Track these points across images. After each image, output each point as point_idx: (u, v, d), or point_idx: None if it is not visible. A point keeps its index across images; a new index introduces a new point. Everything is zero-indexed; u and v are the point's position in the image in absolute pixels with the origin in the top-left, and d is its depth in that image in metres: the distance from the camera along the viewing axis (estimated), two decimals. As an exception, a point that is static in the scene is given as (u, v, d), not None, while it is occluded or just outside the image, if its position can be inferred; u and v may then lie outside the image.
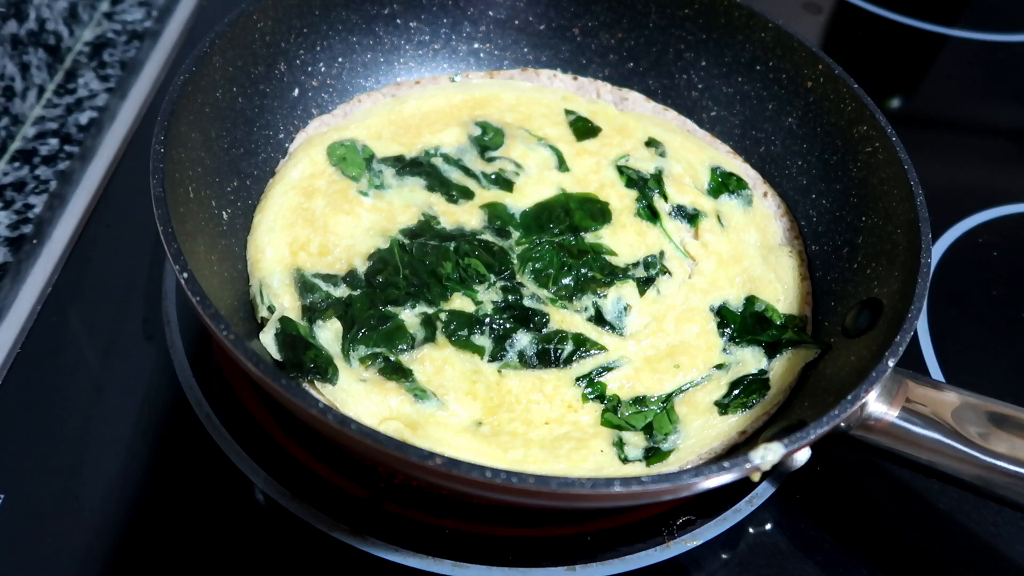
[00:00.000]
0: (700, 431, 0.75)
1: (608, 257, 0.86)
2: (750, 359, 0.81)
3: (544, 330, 0.80)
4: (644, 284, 0.85)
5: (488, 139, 0.94)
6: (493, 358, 0.77)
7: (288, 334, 0.74)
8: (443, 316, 0.79)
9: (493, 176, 0.91)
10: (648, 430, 0.75)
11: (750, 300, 0.85)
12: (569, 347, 0.79)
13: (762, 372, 0.80)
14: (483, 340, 0.78)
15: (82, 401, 0.79)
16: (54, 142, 1.04)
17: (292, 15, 0.90)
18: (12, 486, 0.73)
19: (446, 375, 0.75)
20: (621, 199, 0.91)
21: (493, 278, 0.82)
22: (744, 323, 0.83)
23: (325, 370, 0.72)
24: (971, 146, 1.23)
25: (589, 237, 0.88)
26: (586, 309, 0.82)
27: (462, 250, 0.83)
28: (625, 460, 0.72)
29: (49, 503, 0.73)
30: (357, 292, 0.79)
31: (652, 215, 0.90)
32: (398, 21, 1.00)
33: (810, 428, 0.62)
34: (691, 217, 0.91)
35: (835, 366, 0.77)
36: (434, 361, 0.76)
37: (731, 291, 0.85)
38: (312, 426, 0.60)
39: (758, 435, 0.75)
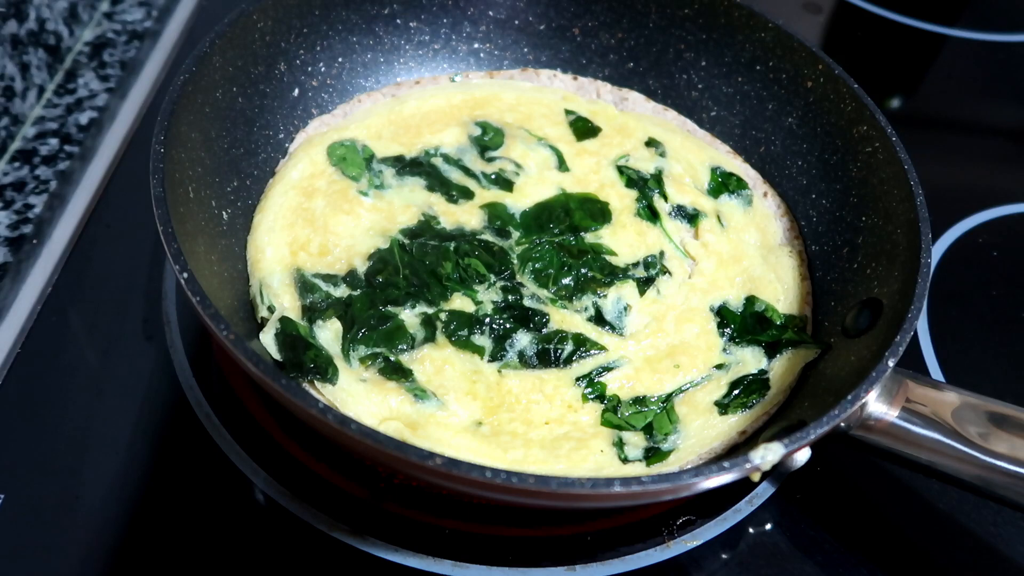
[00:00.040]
0: (700, 431, 0.75)
1: (608, 257, 0.86)
2: (750, 359, 0.81)
3: (544, 330, 0.80)
4: (644, 284, 0.85)
5: (488, 139, 0.94)
6: (493, 358, 0.77)
7: (288, 334, 0.74)
8: (443, 316, 0.79)
9: (493, 176, 0.91)
10: (648, 430, 0.75)
11: (750, 300, 0.85)
12: (569, 347, 0.79)
13: (762, 372, 0.80)
14: (483, 340, 0.78)
15: (82, 401, 0.79)
16: (54, 142, 1.04)
17: (292, 15, 0.90)
18: (12, 486, 0.73)
19: (446, 375, 0.75)
20: (621, 199, 0.91)
21: (493, 278, 0.82)
22: (744, 323, 0.83)
23: (325, 370, 0.72)
24: (971, 146, 1.23)
25: (589, 237, 0.88)
26: (586, 309, 0.82)
27: (462, 250, 0.83)
28: (625, 460, 0.72)
29: (49, 503, 0.73)
30: (357, 292, 0.79)
31: (652, 215, 0.90)
32: (398, 21, 1.00)
33: (810, 428, 0.62)
34: (691, 217, 0.91)
35: (835, 366, 0.77)
36: (434, 361, 0.76)
37: (731, 291, 0.85)
38: (312, 426, 0.60)
39: (758, 435, 0.75)
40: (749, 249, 0.89)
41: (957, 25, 1.40)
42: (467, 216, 0.87)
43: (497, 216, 0.88)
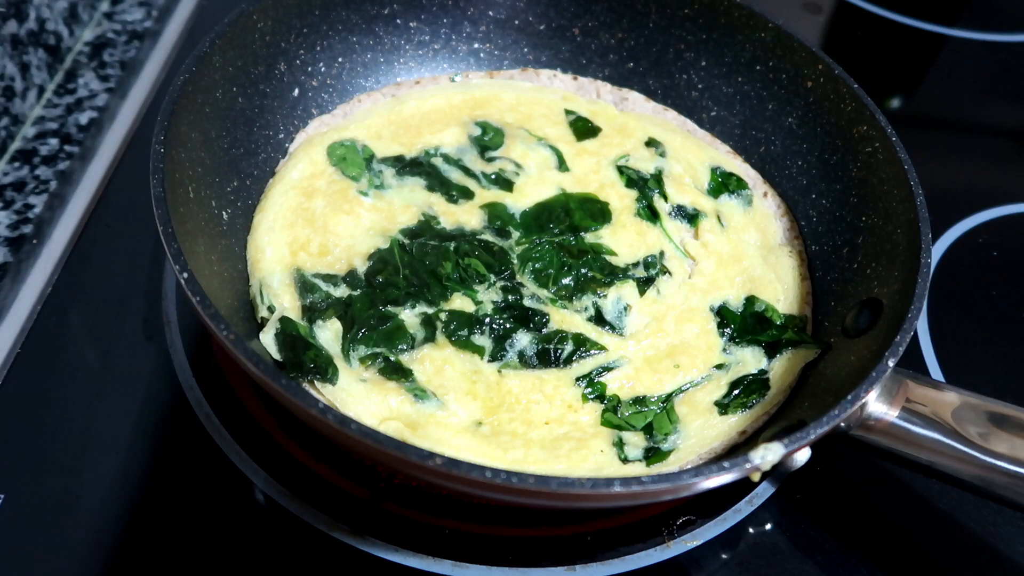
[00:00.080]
0: (700, 431, 0.75)
1: (608, 257, 0.86)
2: (750, 359, 0.81)
3: (544, 330, 0.80)
4: (644, 284, 0.85)
5: (488, 139, 0.94)
6: (493, 358, 0.77)
7: (288, 334, 0.74)
8: (443, 316, 0.79)
9: (493, 176, 0.91)
10: (648, 430, 0.75)
11: (750, 300, 0.85)
12: (569, 347, 0.79)
13: (762, 372, 0.80)
14: (483, 340, 0.78)
15: (82, 401, 0.79)
16: (54, 142, 1.04)
17: (292, 15, 0.90)
18: (12, 486, 0.73)
19: (446, 375, 0.75)
20: (621, 199, 0.91)
21: (493, 278, 0.82)
22: (744, 323, 0.83)
23: (325, 370, 0.72)
24: (971, 146, 1.23)
25: (589, 237, 0.88)
26: (586, 309, 0.82)
27: (462, 250, 0.83)
28: (625, 460, 0.72)
29: (49, 503, 0.73)
30: (357, 292, 0.79)
31: (652, 215, 0.90)
32: (398, 21, 1.00)
33: (810, 428, 0.62)
34: (691, 217, 0.91)
35: (835, 366, 0.77)
36: (434, 361, 0.76)
37: (731, 291, 0.85)
38: (312, 426, 0.60)
39: (758, 435, 0.75)
40: (749, 249, 0.89)
41: (957, 25, 1.40)
42: (467, 216, 0.87)
43: (497, 216, 0.88)
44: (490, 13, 1.03)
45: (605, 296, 0.83)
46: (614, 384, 0.77)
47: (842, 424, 0.68)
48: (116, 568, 0.70)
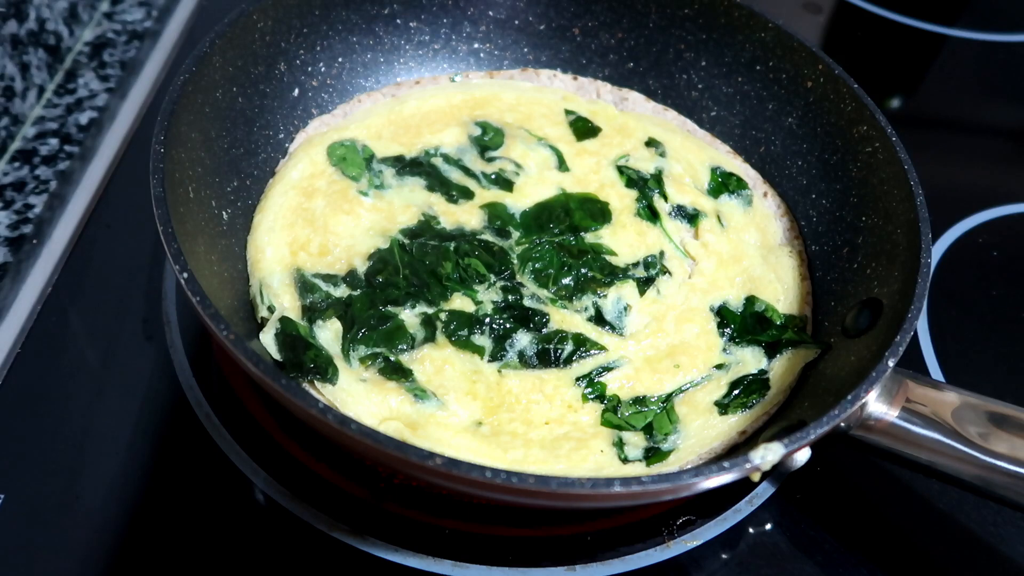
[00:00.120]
0: (700, 431, 0.75)
1: (608, 257, 0.86)
2: (750, 359, 0.81)
3: (544, 330, 0.79)
4: (644, 284, 0.85)
5: (488, 139, 0.94)
6: (493, 358, 0.77)
7: (288, 334, 0.74)
8: (443, 316, 0.79)
9: (493, 176, 0.91)
10: (648, 430, 0.75)
11: (750, 300, 0.85)
12: (569, 347, 0.79)
13: (762, 372, 0.80)
14: (483, 340, 0.78)
15: (82, 401, 0.79)
16: (54, 142, 1.04)
17: (292, 15, 0.90)
18: (12, 486, 0.73)
19: (446, 375, 0.75)
20: (621, 199, 0.91)
21: (493, 278, 0.82)
22: (744, 323, 0.83)
23: (325, 370, 0.72)
24: (971, 146, 1.23)
25: (589, 237, 0.88)
26: (586, 309, 0.82)
27: (462, 250, 0.83)
28: (625, 460, 0.72)
29: (49, 503, 0.73)
30: (357, 292, 0.79)
31: (652, 215, 0.90)
32: (398, 21, 1.00)
33: (810, 428, 0.62)
34: (691, 217, 0.91)
35: (835, 366, 0.77)
36: (434, 361, 0.76)
37: (731, 291, 0.85)
38: (312, 426, 0.60)
39: (758, 435, 0.75)
40: (749, 249, 0.89)
41: (957, 25, 1.40)
42: (467, 216, 0.87)
43: (497, 216, 0.88)
44: (490, 13, 1.03)
45: (605, 296, 0.83)
46: (614, 384, 0.77)
47: (842, 424, 0.68)
48: (116, 568, 0.70)
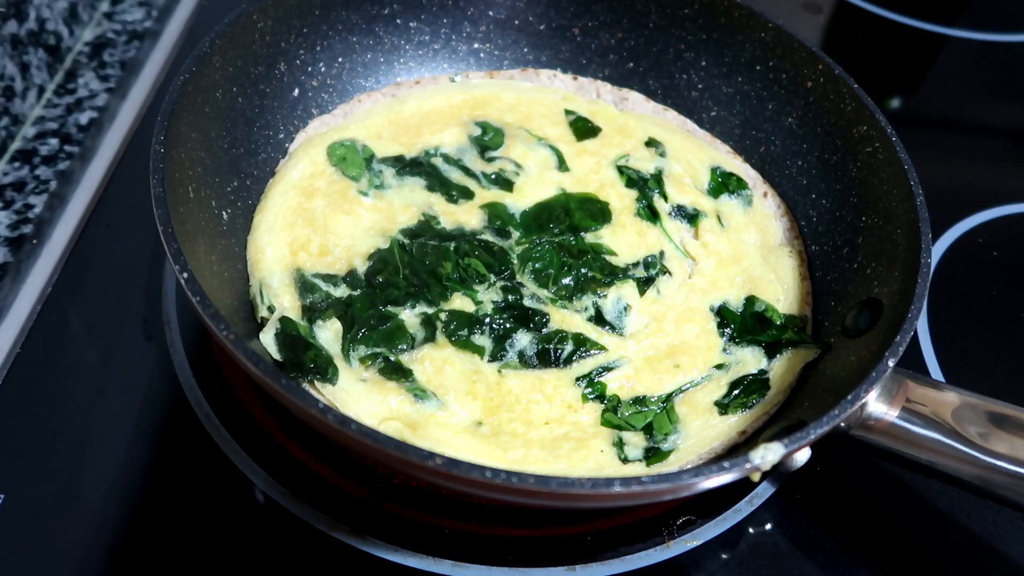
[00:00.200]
0: (700, 431, 0.75)
1: (608, 257, 0.86)
2: (750, 359, 0.81)
3: (544, 330, 0.79)
4: (644, 284, 0.85)
5: (488, 139, 0.94)
6: (493, 358, 0.77)
7: (288, 334, 0.74)
8: (443, 316, 0.79)
9: (493, 176, 0.91)
10: (648, 430, 0.75)
11: (750, 300, 0.85)
12: (569, 347, 0.79)
13: (762, 372, 0.80)
14: (483, 340, 0.78)
15: (82, 401, 0.79)
16: (54, 142, 1.04)
17: (292, 15, 0.90)
18: (12, 486, 0.73)
19: (446, 375, 0.75)
20: (621, 199, 0.91)
21: (493, 278, 0.82)
22: (744, 323, 0.83)
23: (325, 370, 0.72)
24: (971, 146, 1.23)
25: (589, 237, 0.88)
26: (586, 309, 0.82)
27: (462, 250, 0.83)
28: (625, 460, 0.72)
29: (49, 503, 0.73)
30: (357, 292, 0.79)
31: (652, 215, 0.90)
32: (398, 21, 1.00)
33: (810, 428, 0.62)
34: (691, 217, 0.91)
35: (835, 366, 0.77)
36: (434, 361, 0.76)
37: (731, 291, 0.85)
38: (312, 426, 0.60)
39: (758, 435, 0.75)
40: (749, 249, 0.89)
41: (957, 25, 1.40)
42: (467, 216, 0.87)
43: (497, 216, 0.88)
44: (490, 13, 1.03)
45: (605, 296, 0.83)
46: (614, 384, 0.77)
47: (842, 424, 0.68)
48: (116, 568, 0.70)
